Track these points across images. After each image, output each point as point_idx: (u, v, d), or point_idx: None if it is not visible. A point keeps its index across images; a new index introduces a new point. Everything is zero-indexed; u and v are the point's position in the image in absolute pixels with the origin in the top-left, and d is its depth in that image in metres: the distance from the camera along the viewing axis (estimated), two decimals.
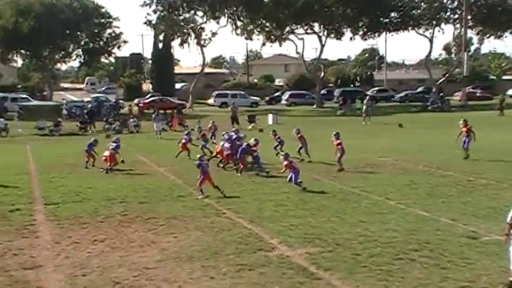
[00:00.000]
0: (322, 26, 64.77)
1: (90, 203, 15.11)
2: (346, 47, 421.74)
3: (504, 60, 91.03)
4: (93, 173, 20.27)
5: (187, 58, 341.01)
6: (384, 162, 21.48)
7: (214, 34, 64.13)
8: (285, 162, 16.67)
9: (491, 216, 12.90)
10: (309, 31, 65.67)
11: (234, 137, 21.47)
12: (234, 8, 61.47)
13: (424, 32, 66.75)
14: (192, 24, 63.25)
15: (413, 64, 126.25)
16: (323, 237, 11.45)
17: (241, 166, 19.47)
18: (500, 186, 16.46)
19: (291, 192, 15.99)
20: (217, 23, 63.08)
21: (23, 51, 67.13)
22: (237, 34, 65.07)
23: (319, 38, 65.75)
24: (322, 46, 66.27)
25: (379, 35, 69.05)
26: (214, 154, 21.98)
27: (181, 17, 62.94)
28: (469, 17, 61.10)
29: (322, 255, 10.34)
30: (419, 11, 64.69)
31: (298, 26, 64.82)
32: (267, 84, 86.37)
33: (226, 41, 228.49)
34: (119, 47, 68.35)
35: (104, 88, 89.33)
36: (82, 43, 66.79)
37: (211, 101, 65.28)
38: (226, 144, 20.58)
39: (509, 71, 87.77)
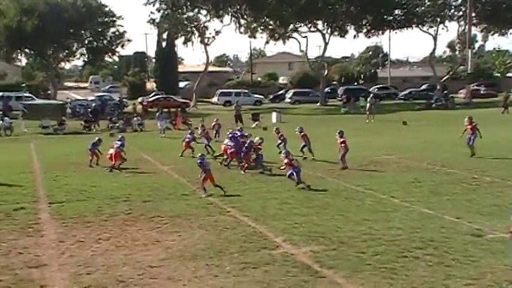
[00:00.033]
0: (325, 23, 64.65)
1: (95, 202, 15.13)
2: (350, 45, 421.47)
3: (508, 58, 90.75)
4: (97, 171, 20.31)
5: (191, 57, 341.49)
6: (388, 160, 21.44)
7: (217, 32, 64.29)
8: (285, 161, 16.73)
9: (496, 213, 12.87)
10: (312, 29, 65.56)
11: (239, 135, 21.48)
12: (238, 6, 61.44)
13: (428, 29, 66.59)
14: (195, 23, 63.28)
15: (417, 62, 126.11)
16: (327, 236, 11.44)
17: (246, 164, 19.48)
18: (505, 184, 16.40)
19: (295, 191, 15.99)
20: (221, 21, 63.20)
21: (27, 50, 67.41)
22: (241, 32, 65.11)
23: (323, 35, 65.66)
24: (326, 44, 66.18)
25: (383, 33, 68.94)
26: (220, 153, 21.96)
27: (185, 16, 62.94)
28: (473, 14, 60.92)
29: (326, 254, 10.33)
30: (423, 8, 64.49)
31: (302, 24, 64.69)
32: (271, 83, 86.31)
33: (230, 40, 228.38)
34: (122, 46, 68.61)
35: (107, 87, 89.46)
36: (86, 42, 66.94)
37: (215, 99, 65.25)
38: (230, 142, 20.60)
39: None
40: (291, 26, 64.79)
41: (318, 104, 62.91)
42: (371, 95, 48.90)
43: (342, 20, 63.40)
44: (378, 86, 75.03)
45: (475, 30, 70.42)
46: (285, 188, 16.32)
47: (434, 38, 66.66)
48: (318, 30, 65.50)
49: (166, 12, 61.96)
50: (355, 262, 9.86)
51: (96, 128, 39.02)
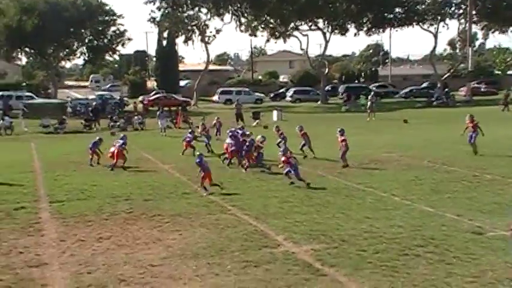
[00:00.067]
0: (326, 22, 64.62)
1: (95, 201, 15.13)
2: (351, 43, 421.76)
3: (509, 55, 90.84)
4: (98, 170, 20.30)
5: (192, 55, 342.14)
6: (389, 158, 21.44)
7: (218, 31, 64.30)
8: (283, 158, 16.76)
9: (497, 211, 12.87)
10: (313, 27, 65.54)
11: (239, 133, 21.48)
12: (238, 5, 61.45)
13: (428, 27, 66.64)
14: (196, 21, 63.28)
15: (418, 59, 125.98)
16: (328, 234, 11.44)
17: (247, 163, 19.46)
18: (506, 182, 16.39)
19: (296, 189, 15.99)
20: (222, 19, 63.26)
21: (27, 49, 67.38)
22: (241, 31, 65.03)
23: (324, 34, 65.63)
24: (327, 42, 66.14)
25: (383, 31, 69.00)
26: (223, 151, 21.92)
27: (186, 14, 62.97)
28: (474, 12, 60.95)
29: (327, 252, 10.33)
30: (423, 6, 64.54)
31: (303, 22, 64.65)
32: (272, 81, 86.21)
33: (231, 38, 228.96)
34: (123, 45, 68.60)
35: (108, 86, 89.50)
36: (86, 41, 66.94)
37: (215, 98, 65.24)
38: (231, 141, 20.59)
39: None
40: (292, 25, 64.71)
41: (319, 102, 62.85)
42: (372, 93, 48.90)
43: (342, 18, 63.38)
44: (377, 84, 74.90)
45: (475, 28, 70.43)
46: (286, 187, 16.32)
47: (435, 36, 66.79)
48: (319, 28, 65.49)
49: (166, 11, 62.00)
50: (356, 260, 9.85)
51: (96, 127, 39.04)
